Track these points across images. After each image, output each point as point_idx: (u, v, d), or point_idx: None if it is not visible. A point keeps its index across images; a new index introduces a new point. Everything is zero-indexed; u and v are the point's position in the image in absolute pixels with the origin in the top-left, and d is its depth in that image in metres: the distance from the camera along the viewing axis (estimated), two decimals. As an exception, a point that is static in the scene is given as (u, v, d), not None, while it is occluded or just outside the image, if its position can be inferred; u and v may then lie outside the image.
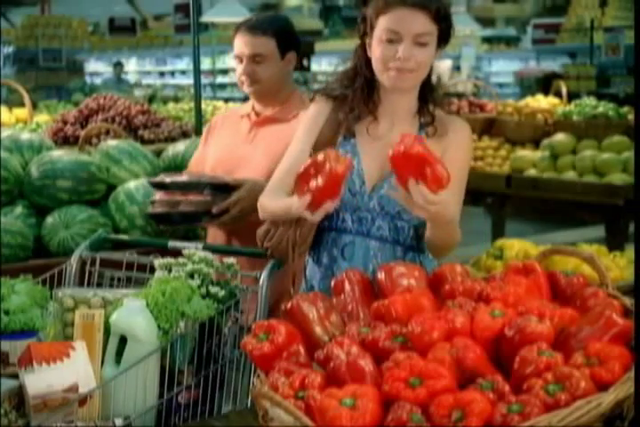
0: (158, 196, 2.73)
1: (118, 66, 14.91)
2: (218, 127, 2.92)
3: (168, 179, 2.72)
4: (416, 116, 2.18)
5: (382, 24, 2.05)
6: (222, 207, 2.56)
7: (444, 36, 2.08)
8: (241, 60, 2.73)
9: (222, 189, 2.59)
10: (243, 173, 2.69)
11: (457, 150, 2.14)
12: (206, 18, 11.33)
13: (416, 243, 2.18)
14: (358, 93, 2.16)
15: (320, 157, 1.82)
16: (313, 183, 1.82)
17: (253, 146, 2.74)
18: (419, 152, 1.71)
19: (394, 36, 2.03)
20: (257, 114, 2.81)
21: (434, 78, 2.19)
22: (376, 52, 2.07)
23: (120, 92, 11.28)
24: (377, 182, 2.12)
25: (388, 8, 2.03)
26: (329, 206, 1.85)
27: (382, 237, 2.15)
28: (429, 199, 1.74)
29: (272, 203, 2.12)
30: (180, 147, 3.54)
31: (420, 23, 2.01)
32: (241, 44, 2.71)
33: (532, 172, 5.92)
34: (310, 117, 2.22)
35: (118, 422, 1.70)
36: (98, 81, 17.27)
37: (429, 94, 2.18)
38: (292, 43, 2.76)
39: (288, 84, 2.82)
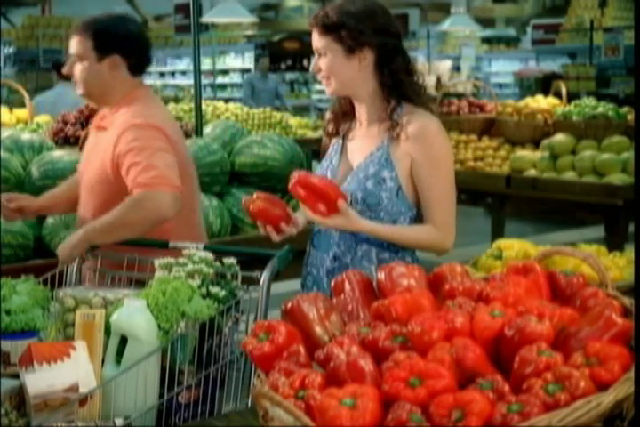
0: None
1: (262, 58, 12.71)
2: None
3: None
4: (388, 120, 2.27)
5: None
6: None
7: (351, 41, 2.23)
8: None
9: None
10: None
11: (418, 166, 2.23)
12: (206, 18, 11.31)
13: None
14: (341, 102, 2.42)
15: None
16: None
17: (87, 154, 2.77)
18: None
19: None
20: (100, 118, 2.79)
21: (408, 79, 2.27)
22: None
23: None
24: (342, 179, 2.31)
25: None
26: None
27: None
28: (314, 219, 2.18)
29: None
30: (180, 147, 3.52)
31: (315, 39, 2.28)
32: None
33: (531, 172, 5.92)
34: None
35: (119, 421, 1.70)
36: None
37: (388, 97, 2.28)
38: (114, 45, 2.61)
39: (115, 88, 2.66)
